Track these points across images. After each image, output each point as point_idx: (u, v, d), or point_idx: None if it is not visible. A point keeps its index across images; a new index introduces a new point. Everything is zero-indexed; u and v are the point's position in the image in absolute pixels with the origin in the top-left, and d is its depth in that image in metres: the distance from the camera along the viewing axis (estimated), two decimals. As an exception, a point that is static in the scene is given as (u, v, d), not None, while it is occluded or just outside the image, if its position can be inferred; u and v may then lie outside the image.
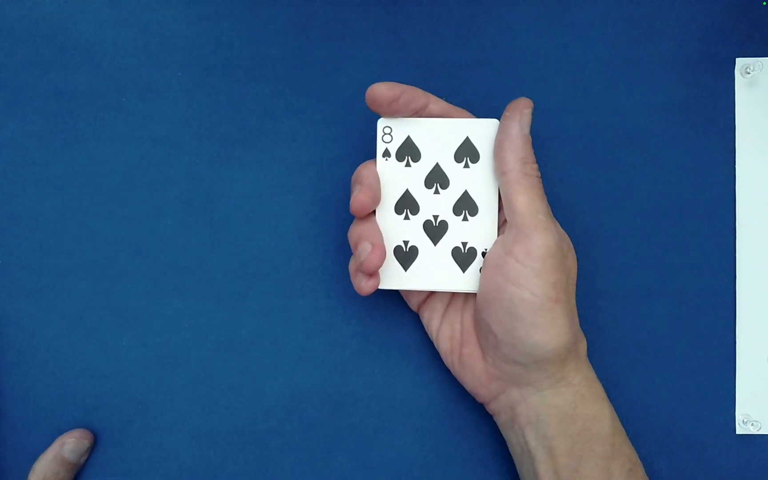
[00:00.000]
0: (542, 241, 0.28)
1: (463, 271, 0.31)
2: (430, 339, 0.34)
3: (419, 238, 0.31)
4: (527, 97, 0.35)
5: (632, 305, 0.35)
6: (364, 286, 0.30)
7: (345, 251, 0.35)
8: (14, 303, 0.34)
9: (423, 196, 0.31)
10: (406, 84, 0.35)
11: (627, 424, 0.34)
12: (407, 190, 0.31)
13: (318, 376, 0.35)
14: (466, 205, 0.31)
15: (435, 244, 0.31)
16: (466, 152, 0.31)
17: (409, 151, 0.31)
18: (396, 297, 0.35)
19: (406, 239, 0.31)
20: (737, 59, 0.35)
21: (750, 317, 0.35)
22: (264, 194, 0.35)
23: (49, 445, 0.33)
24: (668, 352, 0.35)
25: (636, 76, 0.35)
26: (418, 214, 0.31)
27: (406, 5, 0.35)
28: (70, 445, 0.33)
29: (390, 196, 0.31)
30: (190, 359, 0.35)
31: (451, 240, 0.31)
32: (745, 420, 0.34)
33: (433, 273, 0.31)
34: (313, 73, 0.35)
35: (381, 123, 0.30)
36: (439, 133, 0.31)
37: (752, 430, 0.34)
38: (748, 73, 0.34)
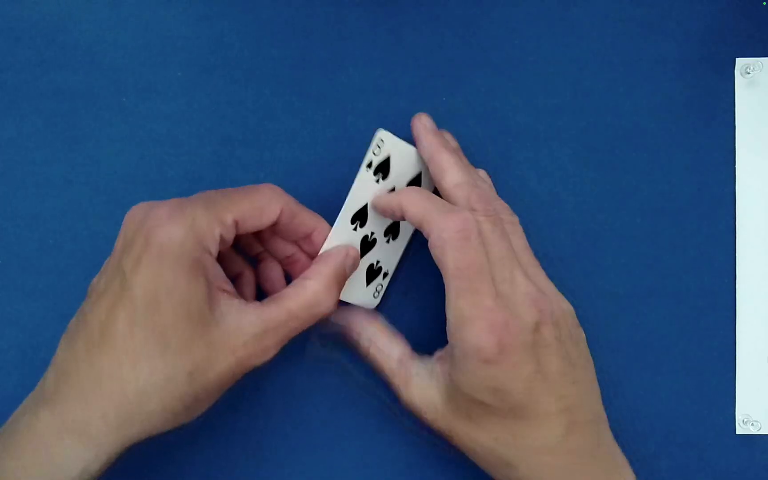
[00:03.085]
0: None
1: (367, 285, 0.32)
2: (430, 339, 0.34)
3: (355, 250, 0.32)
4: (527, 97, 0.35)
5: (632, 305, 0.35)
6: None
7: (345, 251, 0.35)
8: (14, 303, 0.34)
9: (373, 213, 0.31)
10: (405, 84, 0.35)
11: (627, 424, 0.34)
12: (366, 205, 0.31)
13: (318, 376, 0.35)
14: (393, 230, 0.33)
15: (361, 257, 0.32)
16: (416, 183, 0.32)
17: (383, 169, 0.31)
18: (396, 297, 0.35)
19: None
20: (737, 59, 0.35)
21: (750, 317, 0.35)
22: (264, 194, 0.35)
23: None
24: (668, 352, 0.35)
25: (636, 76, 0.35)
26: (364, 228, 0.31)
27: (406, 5, 0.35)
28: (350, 260, 0.30)
29: (355, 204, 0.31)
30: (190, 359, 0.35)
31: (372, 256, 0.32)
32: (745, 420, 0.34)
33: (348, 282, 0.31)
34: (313, 73, 0.35)
35: (380, 134, 0.30)
36: (408, 161, 0.31)
37: (752, 430, 0.34)
38: (748, 73, 0.34)
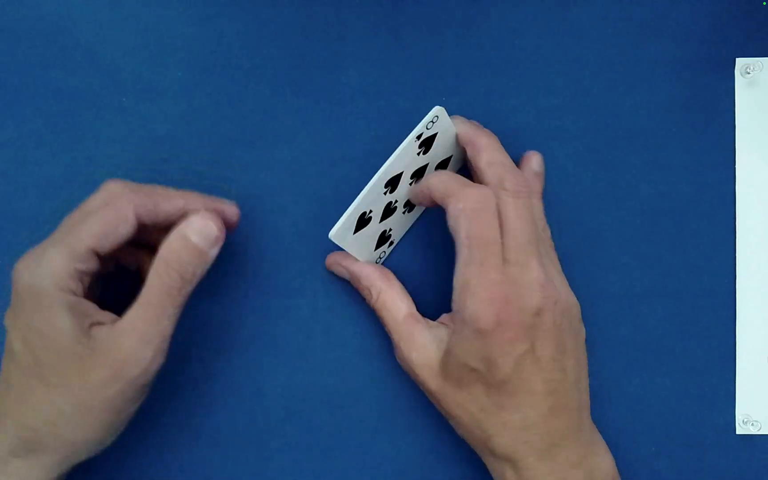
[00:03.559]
0: None
1: (375, 250, 0.33)
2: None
3: (378, 212, 0.32)
4: (527, 97, 0.35)
5: (632, 305, 0.35)
6: None
7: (345, 251, 0.35)
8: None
9: (403, 182, 0.32)
10: (405, 84, 0.35)
11: (627, 424, 0.34)
12: (401, 173, 0.32)
13: (318, 376, 0.35)
14: (409, 203, 0.33)
15: (379, 222, 0.33)
16: (444, 165, 0.33)
17: (427, 144, 0.31)
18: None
19: (371, 208, 0.32)
20: (737, 59, 0.35)
21: (750, 317, 0.35)
22: (264, 194, 0.35)
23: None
24: (668, 352, 0.35)
25: (636, 76, 0.35)
26: (392, 194, 0.32)
27: (406, 5, 0.35)
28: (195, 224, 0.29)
29: (393, 169, 0.31)
30: (191, 359, 0.35)
31: (388, 223, 0.33)
32: (745, 420, 0.34)
33: (360, 242, 0.32)
34: (313, 73, 0.35)
35: (436, 110, 0.30)
36: (447, 143, 0.32)
37: (752, 430, 0.34)
38: (748, 73, 0.34)
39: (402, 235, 0.35)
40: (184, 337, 0.35)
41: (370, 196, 0.31)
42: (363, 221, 0.32)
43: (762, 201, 0.35)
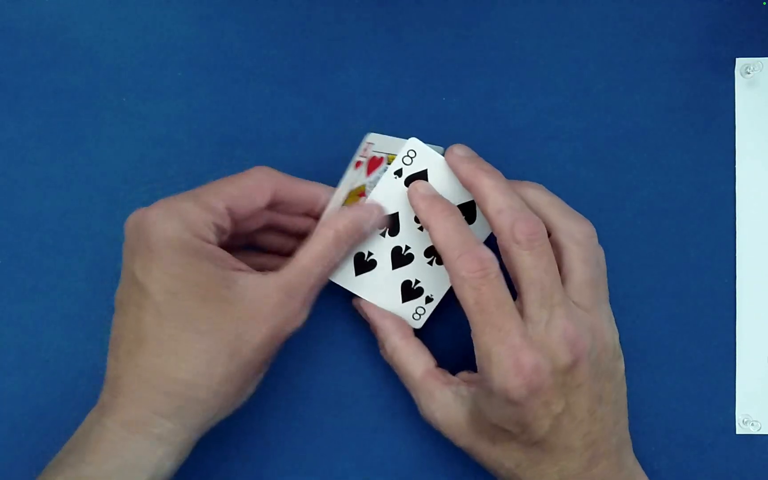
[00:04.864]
0: None
1: (403, 302, 0.32)
2: (430, 340, 0.34)
3: (383, 257, 0.31)
4: (527, 97, 0.35)
5: (632, 305, 0.35)
6: None
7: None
8: (14, 303, 0.34)
9: (407, 225, 0.31)
10: (405, 84, 0.35)
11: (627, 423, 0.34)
12: (397, 213, 0.31)
13: (318, 376, 0.35)
14: (436, 253, 0.31)
15: (392, 269, 0.31)
16: (465, 210, 0.31)
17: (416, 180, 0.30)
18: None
19: (371, 251, 0.31)
20: (737, 59, 0.35)
21: (750, 317, 0.35)
22: (264, 194, 0.35)
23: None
24: (668, 352, 0.35)
25: (636, 76, 0.35)
26: (395, 238, 0.31)
27: (406, 5, 0.35)
28: (375, 220, 0.30)
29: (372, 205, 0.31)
30: (190, 359, 0.35)
31: (407, 273, 0.32)
32: (745, 420, 0.34)
33: (377, 289, 0.32)
34: (313, 73, 0.35)
35: (412, 144, 0.30)
36: (452, 182, 0.30)
37: (752, 430, 0.34)
38: (748, 73, 0.34)
39: (444, 290, 0.32)
40: (184, 337, 0.35)
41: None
42: (364, 264, 0.31)
43: (762, 201, 0.35)
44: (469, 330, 0.27)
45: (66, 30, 0.35)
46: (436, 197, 0.29)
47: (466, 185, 0.29)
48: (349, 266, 0.31)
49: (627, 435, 0.30)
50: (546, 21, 0.35)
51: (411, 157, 0.30)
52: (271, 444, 0.35)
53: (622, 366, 0.30)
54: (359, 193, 0.31)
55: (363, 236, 0.30)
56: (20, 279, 0.34)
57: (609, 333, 0.29)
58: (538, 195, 0.31)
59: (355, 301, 0.33)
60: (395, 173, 0.30)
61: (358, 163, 0.31)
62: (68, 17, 0.35)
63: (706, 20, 0.35)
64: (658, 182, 0.35)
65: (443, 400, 0.30)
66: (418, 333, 0.32)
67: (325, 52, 0.35)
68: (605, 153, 0.35)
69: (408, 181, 0.30)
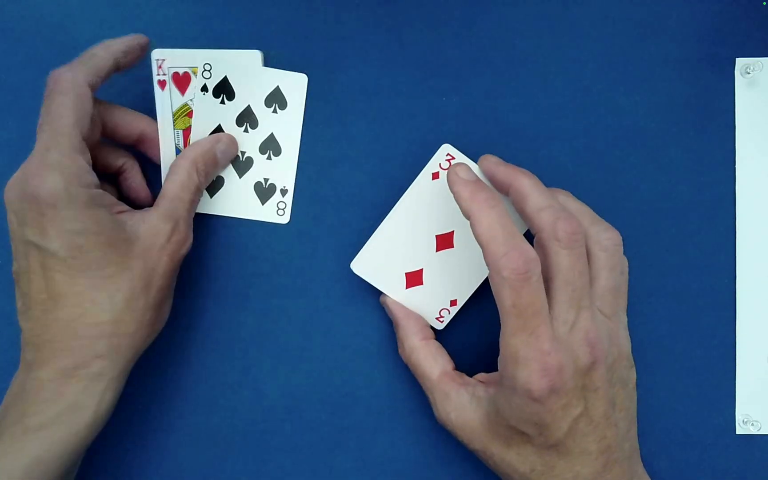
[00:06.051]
0: None
1: (263, 204, 0.34)
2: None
3: (226, 170, 0.34)
4: (527, 97, 0.35)
5: (632, 305, 0.35)
6: None
7: (345, 251, 0.34)
8: (14, 303, 0.34)
9: (234, 133, 0.34)
10: (405, 84, 0.35)
11: (627, 424, 0.34)
12: (219, 126, 0.33)
13: (318, 376, 0.35)
14: (271, 146, 0.34)
15: (240, 177, 0.34)
16: (276, 99, 0.34)
17: (224, 90, 0.33)
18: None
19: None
20: (737, 59, 0.35)
21: (750, 317, 0.35)
22: (264, 194, 0.35)
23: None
24: (668, 352, 0.35)
25: (636, 76, 0.35)
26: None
27: (406, 5, 0.35)
28: (223, 145, 0.33)
29: (203, 130, 0.33)
30: (191, 359, 0.35)
31: (254, 175, 0.34)
32: (745, 420, 0.34)
33: (236, 202, 0.34)
34: (313, 73, 0.35)
35: (204, 58, 0.33)
36: (253, 79, 0.34)
37: (752, 430, 0.34)
38: (748, 73, 0.34)
39: (469, 293, 0.32)
40: (185, 337, 0.35)
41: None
42: (212, 183, 0.34)
43: (762, 201, 0.35)
44: (489, 332, 0.27)
45: (66, 30, 0.35)
46: (479, 183, 0.28)
47: (504, 187, 0.29)
48: (370, 258, 0.32)
49: (637, 443, 0.30)
50: (546, 21, 0.35)
51: (209, 71, 0.33)
52: (271, 444, 0.35)
53: (634, 375, 0.30)
54: (187, 113, 0.33)
55: (216, 161, 0.33)
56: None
57: (625, 342, 0.30)
58: (567, 201, 0.31)
59: (382, 299, 0.33)
60: (202, 90, 0.32)
61: (162, 83, 0.33)
62: (68, 17, 0.35)
63: (706, 20, 0.35)
64: (658, 182, 0.35)
65: (459, 401, 0.30)
66: (437, 334, 0.33)
67: (325, 52, 0.35)
68: (605, 153, 0.35)
69: (215, 92, 0.33)
